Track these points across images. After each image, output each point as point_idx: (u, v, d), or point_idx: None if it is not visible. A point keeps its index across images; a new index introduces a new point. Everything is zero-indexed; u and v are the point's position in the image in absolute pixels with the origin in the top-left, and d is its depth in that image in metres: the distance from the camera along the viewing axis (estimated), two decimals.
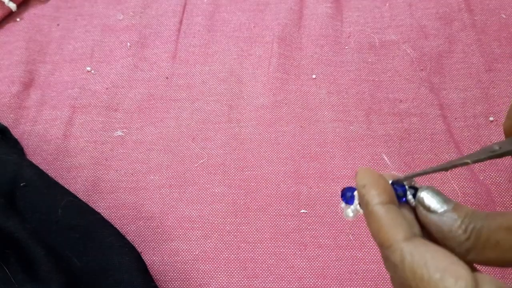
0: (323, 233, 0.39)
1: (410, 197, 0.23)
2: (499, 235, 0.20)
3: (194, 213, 0.40)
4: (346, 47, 0.49)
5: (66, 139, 0.44)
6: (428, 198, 0.23)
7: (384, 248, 0.21)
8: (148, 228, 0.39)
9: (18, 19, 0.52)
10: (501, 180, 0.40)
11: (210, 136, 0.44)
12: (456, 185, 0.40)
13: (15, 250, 0.33)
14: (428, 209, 0.22)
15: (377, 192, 0.22)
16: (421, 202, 0.23)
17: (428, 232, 0.23)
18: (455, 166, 0.23)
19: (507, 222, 0.20)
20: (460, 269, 0.19)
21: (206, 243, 0.38)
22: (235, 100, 0.46)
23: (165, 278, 0.37)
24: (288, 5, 0.51)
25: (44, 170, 0.39)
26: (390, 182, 0.24)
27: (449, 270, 0.19)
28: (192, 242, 0.39)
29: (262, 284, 0.37)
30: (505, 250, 0.20)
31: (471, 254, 0.20)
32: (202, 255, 0.38)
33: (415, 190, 0.24)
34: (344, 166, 0.42)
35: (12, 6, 0.51)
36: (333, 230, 0.39)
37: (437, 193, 0.23)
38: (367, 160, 0.42)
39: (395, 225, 0.21)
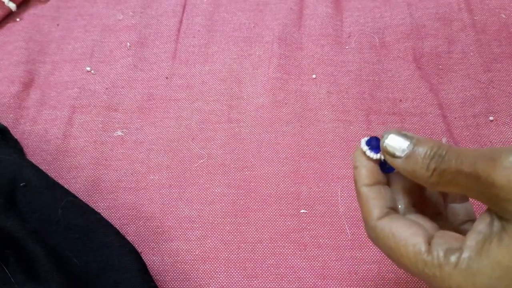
0: (323, 233, 0.39)
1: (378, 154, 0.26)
2: (459, 178, 0.21)
3: (194, 213, 0.40)
4: (346, 47, 0.49)
5: (66, 139, 0.44)
6: (390, 144, 0.24)
7: (365, 225, 0.25)
8: (148, 228, 0.39)
9: (18, 19, 0.52)
10: None
11: (210, 136, 0.44)
12: None
13: (15, 250, 0.33)
14: (393, 156, 0.24)
15: (365, 175, 0.25)
16: (386, 151, 0.24)
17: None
18: None
19: (467, 168, 0.21)
20: (417, 237, 0.22)
21: (206, 243, 0.38)
22: (235, 100, 0.46)
23: (165, 278, 0.37)
24: (288, 5, 0.51)
25: (44, 170, 0.39)
26: (366, 140, 0.26)
27: (409, 239, 0.22)
28: (192, 242, 0.39)
29: (262, 284, 0.37)
30: (467, 190, 0.22)
31: (438, 187, 0.23)
32: (202, 255, 0.38)
33: None
34: (344, 166, 0.42)
35: (12, 6, 0.51)
36: (333, 230, 0.39)
37: (398, 133, 0.24)
38: None
39: (373, 205, 0.24)
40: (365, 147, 0.26)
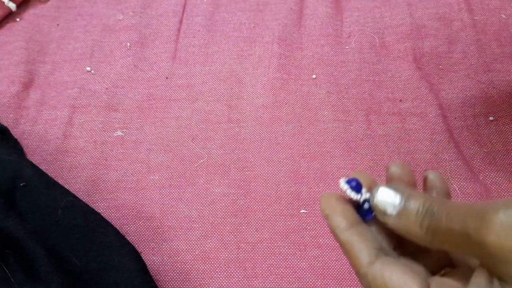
0: (323, 233, 0.39)
1: (366, 205, 0.24)
2: (451, 237, 0.20)
3: (194, 213, 0.40)
4: (347, 47, 0.49)
5: (66, 139, 0.44)
6: (381, 200, 0.23)
7: (355, 273, 0.23)
8: (148, 228, 0.39)
9: (18, 19, 0.52)
10: (501, 180, 0.40)
11: (210, 136, 0.44)
12: (456, 185, 0.40)
13: (15, 250, 0.33)
14: (384, 214, 0.23)
15: (341, 219, 0.24)
16: (377, 209, 0.23)
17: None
18: None
19: (458, 226, 0.20)
20: (413, 285, 0.21)
21: (206, 243, 0.38)
22: (235, 100, 0.46)
23: (165, 278, 0.37)
24: (288, 5, 0.51)
25: (44, 170, 0.39)
26: (345, 180, 0.24)
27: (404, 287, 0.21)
28: (192, 242, 0.39)
29: (262, 284, 0.37)
30: (461, 249, 0.20)
31: (433, 245, 0.21)
32: (202, 255, 0.38)
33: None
34: (344, 166, 0.42)
35: (12, 6, 0.51)
36: None
37: (388, 187, 0.23)
38: (367, 160, 0.42)
39: (360, 249, 0.23)
40: (345, 186, 0.24)
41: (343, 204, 0.24)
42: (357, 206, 0.24)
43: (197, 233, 0.39)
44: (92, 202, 0.40)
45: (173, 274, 0.37)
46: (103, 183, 0.42)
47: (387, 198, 0.23)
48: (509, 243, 0.18)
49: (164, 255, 0.38)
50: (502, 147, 0.42)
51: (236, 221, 0.39)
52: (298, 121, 0.44)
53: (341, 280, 0.36)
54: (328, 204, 0.24)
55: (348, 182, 0.24)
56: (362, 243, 0.23)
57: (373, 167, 0.41)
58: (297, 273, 0.37)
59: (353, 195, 0.24)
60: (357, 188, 0.24)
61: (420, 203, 0.22)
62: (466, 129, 0.43)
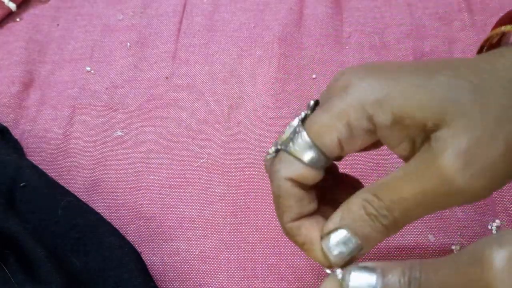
0: None
1: None
2: None
3: (194, 213, 0.40)
4: (347, 47, 0.49)
5: (66, 139, 0.44)
6: (355, 287, 0.21)
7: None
8: (148, 228, 0.39)
9: (18, 19, 0.52)
10: None
11: (210, 136, 0.44)
12: None
13: (15, 250, 0.33)
14: None
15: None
16: None
17: None
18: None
19: (454, 280, 0.19)
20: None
21: (206, 243, 0.38)
22: (235, 100, 0.46)
23: (165, 278, 0.37)
24: (288, 5, 0.51)
25: (44, 170, 0.39)
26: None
27: None
28: (192, 242, 0.39)
29: (262, 284, 0.37)
30: None
31: None
32: (202, 255, 0.38)
33: None
34: (344, 166, 0.42)
35: (12, 6, 0.51)
36: None
37: (359, 269, 0.22)
38: (367, 160, 0.42)
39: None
40: (340, 275, 0.23)
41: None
42: None
43: (197, 233, 0.39)
44: (92, 202, 0.40)
45: (173, 274, 0.37)
46: (103, 183, 0.42)
47: (361, 282, 0.21)
48: None
49: (164, 255, 0.38)
50: None
51: (236, 221, 0.39)
52: None
53: None
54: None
55: None
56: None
57: (373, 167, 0.41)
58: (297, 273, 0.37)
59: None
60: None
61: (399, 274, 0.20)
62: None
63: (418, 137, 0.23)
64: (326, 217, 0.25)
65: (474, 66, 0.22)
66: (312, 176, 0.24)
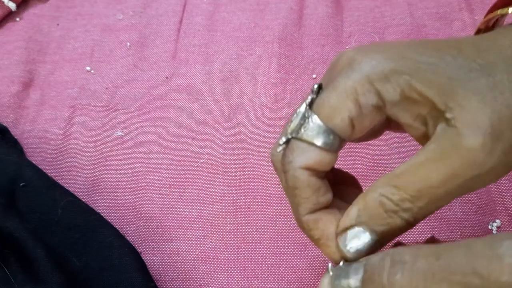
0: None
1: None
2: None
3: (194, 213, 0.40)
4: (347, 47, 0.49)
5: (65, 139, 0.44)
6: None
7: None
8: (148, 228, 0.39)
9: (18, 19, 0.52)
10: (501, 180, 0.40)
11: (210, 136, 0.44)
12: None
13: (15, 250, 0.33)
14: None
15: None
16: None
17: None
18: None
19: (462, 269, 0.18)
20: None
21: (206, 243, 0.38)
22: (235, 100, 0.46)
23: (165, 278, 0.37)
24: (288, 4, 0.51)
25: (44, 170, 0.39)
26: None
27: None
28: (192, 242, 0.39)
29: (262, 284, 0.37)
30: None
31: None
32: (202, 255, 0.38)
33: None
34: (344, 166, 0.42)
35: (12, 6, 0.51)
36: None
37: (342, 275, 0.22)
38: (367, 160, 0.42)
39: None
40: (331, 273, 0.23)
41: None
42: None
43: (197, 233, 0.39)
44: (92, 202, 0.40)
45: (173, 274, 0.37)
46: (103, 183, 0.42)
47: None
48: None
49: (164, 255, 0.38)
50: None
51: (236, 221, 0.39)
52: None
53: None
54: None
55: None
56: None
57: (373, 167, 0.41)
58: (298, 273, 0.37)
59: None
60: None
61: (379, 257, 0.20)
62: None
63: (429, 117, 0.22)
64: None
65: (478, 45, 0.22)
66: (328, 160, 0.23)
